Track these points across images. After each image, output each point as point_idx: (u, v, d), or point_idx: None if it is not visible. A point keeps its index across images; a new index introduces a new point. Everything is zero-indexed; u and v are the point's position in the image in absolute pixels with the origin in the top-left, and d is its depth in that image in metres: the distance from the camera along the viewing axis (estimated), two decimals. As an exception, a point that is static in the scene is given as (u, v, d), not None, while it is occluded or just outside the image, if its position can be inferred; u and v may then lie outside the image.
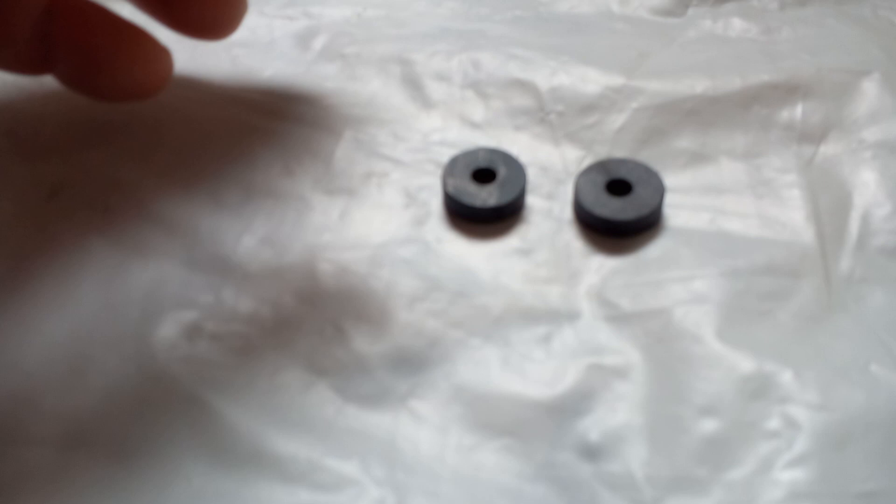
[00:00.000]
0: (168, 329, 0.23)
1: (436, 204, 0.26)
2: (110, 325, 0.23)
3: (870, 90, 0.27)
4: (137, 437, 0.21)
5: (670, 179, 0.26)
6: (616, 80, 0.28)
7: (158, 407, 0.21)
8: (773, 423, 0.21)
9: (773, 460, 0.20)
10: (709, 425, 0.21)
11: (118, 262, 0.24)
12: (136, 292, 0.24)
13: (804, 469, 0.20)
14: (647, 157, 0.26)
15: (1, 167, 0.27)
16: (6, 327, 0.23)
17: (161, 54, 0.26)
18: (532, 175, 0.26)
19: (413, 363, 0.22)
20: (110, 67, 0.25)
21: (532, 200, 0.26)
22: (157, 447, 0.21)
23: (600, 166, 0.25)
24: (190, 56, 0.30)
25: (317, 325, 0.23)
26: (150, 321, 0.23)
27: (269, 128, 0.28)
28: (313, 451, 0.21)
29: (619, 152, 0.27)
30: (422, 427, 0.21)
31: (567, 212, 0.25)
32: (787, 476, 0.20)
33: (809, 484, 0.20)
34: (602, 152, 0.27)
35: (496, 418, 0.21)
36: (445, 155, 0.26)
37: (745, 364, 0.22)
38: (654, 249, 0.24)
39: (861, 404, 0.21)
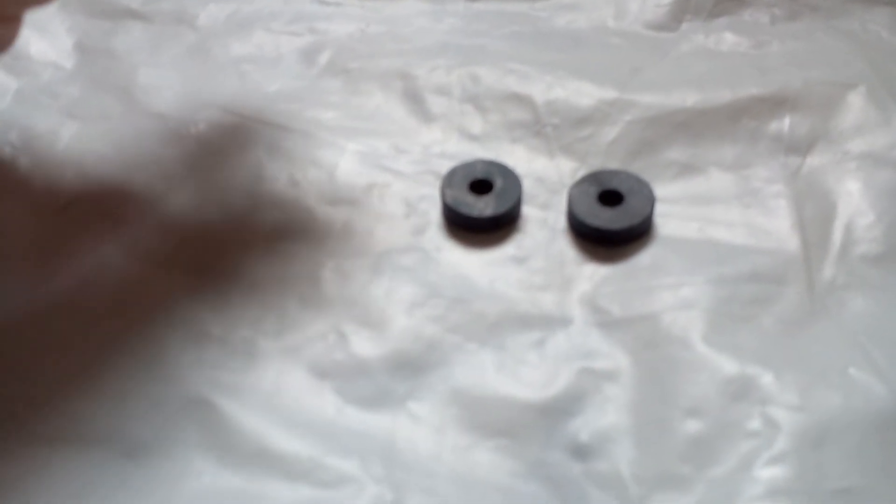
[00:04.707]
0: (178, 334, 0.24)
1: (435, 214, 0.27)
2: (122, 330, 0.24)
3: (855, 103, 0.28)
4: (149, 437, 0.22)
5: (661, 190, 0.26)
6: (610, 94, 0.29)
7: (169, 408, 0.22)
8: (754, 424, 0.21)
9: (753, 459, 0.21)
10: (693, 426, 0.22)
11: (130, 270, 0.25)
12: (148, 298, 0.25)
13: (783, 467, 0.21)
14: (638, 168, 0.27)
15: (18, 178, 0.28)
16: (24, 332, 0.24)
17: None
18: (528, 186, 0.27)
19: (412, 366, 0.23)
20: None
21: (527, 210, 0.27)
22: (168, 446, 0.22)
23: (593, 177, 0.26)
24: (199, 71, 0.31)
25: (320, 330, 0.24)
26: (161, 326, 0.24)
27: (275, 141, 0.28)
28: (315, 450, 0.22)
29: (612, 164, 0.27)
30: (419, 428, 0.22)
31: (561, 221, 0.26)
32: (767, 474, 0.21)
33: (787, 481, 0.20)
34: (595, 164, 0.28)
35: (491, 419, 0.22)
36: (444, 167, 0.27)
37: (729, 367, 0.22)
38: (644, 257, 0.25)
39: (838, 406, 0.21)
